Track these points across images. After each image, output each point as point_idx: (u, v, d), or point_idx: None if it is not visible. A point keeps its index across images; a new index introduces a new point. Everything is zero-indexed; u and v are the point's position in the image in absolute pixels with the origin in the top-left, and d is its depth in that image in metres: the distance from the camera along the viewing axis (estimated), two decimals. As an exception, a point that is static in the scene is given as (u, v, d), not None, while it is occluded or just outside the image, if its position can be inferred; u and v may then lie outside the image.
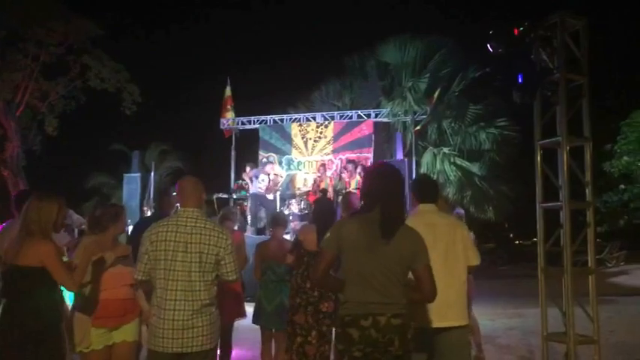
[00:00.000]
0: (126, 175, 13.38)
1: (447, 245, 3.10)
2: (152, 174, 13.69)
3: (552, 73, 4.38)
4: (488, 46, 4.52)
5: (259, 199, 11.41)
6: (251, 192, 11.65)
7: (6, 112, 16.45)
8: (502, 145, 14.44)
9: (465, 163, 14.58)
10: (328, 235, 2.60)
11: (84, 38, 16.64)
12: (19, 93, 16.53)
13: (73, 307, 3.43)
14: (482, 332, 5.71)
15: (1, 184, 16.31)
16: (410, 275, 2.59)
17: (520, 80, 4.39)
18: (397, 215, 2.59)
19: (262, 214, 11.44)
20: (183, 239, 2.85)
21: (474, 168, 14.59)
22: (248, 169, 12.04)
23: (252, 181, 11.63)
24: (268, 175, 11.56)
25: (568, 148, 4.32)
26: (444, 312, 3.02)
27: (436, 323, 3.03)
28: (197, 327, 2.79)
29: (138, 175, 13.27)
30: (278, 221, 4.78)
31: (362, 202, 2.74)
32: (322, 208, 4.19)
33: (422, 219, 3.07)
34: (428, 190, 3.33)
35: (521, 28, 4.34)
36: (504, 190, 14.92)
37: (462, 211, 5.82)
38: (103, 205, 3.98)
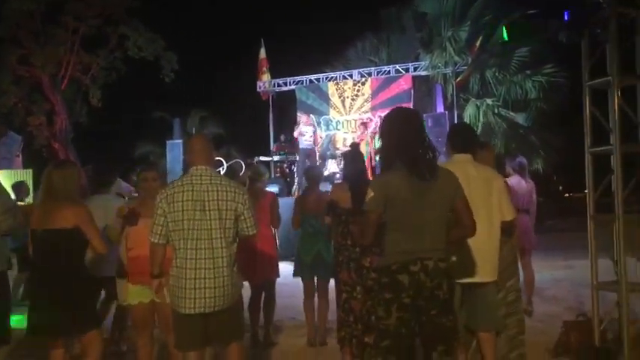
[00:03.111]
0: (169, 142, 13.67)
1: (481, 199, 2.96)
2: (193, 140, 13.90)
3: (602, 8, 4.06)
4: (531, -17, 4.23)
5: (307, 154, 11.48)
6: (300, 147, 11.74)
7: (52, 87, 17.03)
8: (549, 93, 13.73)
9: (510, 114, 14.01)
10: (372, 194, 2.51)
11: (120, 9, 16.83)
12: (62, 67, 17.03)
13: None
14: (529, 284, 5.60)
15: (52, 157, 17.05)
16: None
17: (566, 18, 4.10)
18: (421, 157, 2.50)
19: None
20: (200, 198, 2.80)
21: (520, 118, 14.01)
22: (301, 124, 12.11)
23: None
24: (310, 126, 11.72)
25: (619, 87, 4.03)
26: (477, 268, 2.95)
27: (469, 279, 2.96)
28: (219, 286, 2.78)
29: (180, 141, 13.52)
30: (313, 176, 4.81)
31: (390, 155, 2.62)
32: (352, 162, 4.14)
33: (455, 170, 2.89)
34: (463, 138, 3.18)
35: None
36: (552, 141, 14.31)
37: (524, 161, 5.55)
38: (143, 168, 4.08)
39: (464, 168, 3.00)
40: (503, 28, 4.80)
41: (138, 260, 3.30)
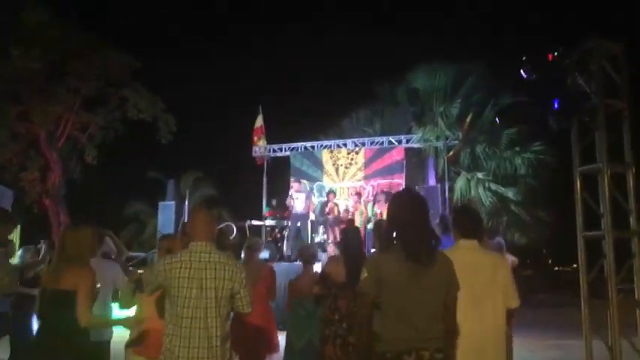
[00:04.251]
0: (161, 204, 13.63)
1: (486, 287, 2.91)
2: (186, 202, 13.92)
3: (590, 99, 4.29)
4: (522, 71, 4.47)
5: (299, 219, 11.47)
6: (292, 212, 11.77)
7: (49, 144, 17.11)
8: (538, 170, 14.12)
9: (500, 189, 14.29)
10: (366, 274, 2.51)
11: (122, 72, 17.27)
12: (60, 125, 17.20)
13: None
14: (523, 365, 5.50)
15: (42, 213, 16.87)
16: None
17: (556, 106, 4.31)
18: (422, 243, 2.49)
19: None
20: (198, 275, 2.80)
21: (509, 193, 14.28)
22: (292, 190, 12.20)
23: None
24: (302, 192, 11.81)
25: (609, 174, 4.18)
26: (482, 355, 2.87)
27: None
28: None
29: (173, 203, 13.50)
30: (307, 257, 4.74)
31: (392, 235, 2.65)
32: (349, 239, 4.15)
33: (461, 257, 2.86)
34: (472, 224, 3.10)
35: (556, 53, 4.28)
36: (541, 216, 14.54)
37: (502, 241, 5.47)
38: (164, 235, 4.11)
39: (471, 256, 2.96)
40: (495, 117, 5.01)
41: (146, 333, 3.30)
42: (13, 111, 16.15)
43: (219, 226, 13.21)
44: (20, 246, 7.04)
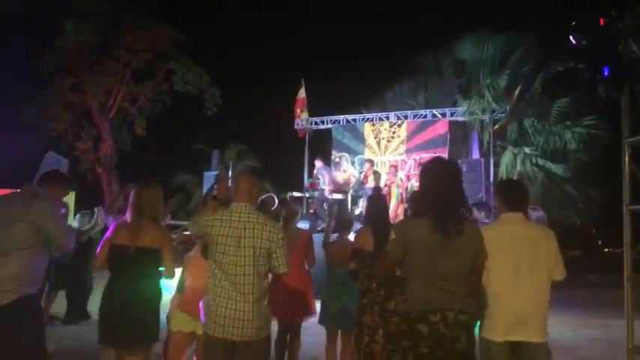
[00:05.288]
0: (206, 173, 13.99)
1: (531, 259, 2.87)
2: (230, 172, 14.22)
3: (643, 65, 4.06)
4: (571, 37, 4.28)
5: (322, 198, 11.56)
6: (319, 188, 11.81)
7: (101, 114, 17.84)
8: (589, 145, 13.51)
9: (548, 164, 13.80)
10: (393, 236, 2.56)
11: (169, 45, 17.65)
12: (111, 96, 17.86)
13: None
14: (564, 343, 5.39)
15: (95, 181, 17.69)
16: None
17: (606, 73, 4.11)
18: (451, 213, 2.51)
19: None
20: (237, 234, 2.91)
21: (558, 169, 13.77)
22: (317, 163, 12.17)
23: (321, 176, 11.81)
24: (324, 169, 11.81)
25: (660, 146, 3.98)
26: (524, 327, 2.85)
27: (515, 337, 2.86)
28: (248, 319, 2.85)
29: (217, 172, 13.81)
30: (342, 224, 4.80)
31: (422, 202, 2.67)
32: (375, 206, 4.14)
33: (506, 230, 2.88)
34: (517, 197, 3.05)
35: (608, 18, 4.06)
36: (591, 193, 13.97)
37: (541, 214, 5.33)
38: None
39: (515, 229, 2.92)
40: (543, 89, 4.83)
41: (190, 291, 3.46)
42: (66, 82, 16.86)
43: (262, 197, 13.51)
44: (75, 213, 7.44)
